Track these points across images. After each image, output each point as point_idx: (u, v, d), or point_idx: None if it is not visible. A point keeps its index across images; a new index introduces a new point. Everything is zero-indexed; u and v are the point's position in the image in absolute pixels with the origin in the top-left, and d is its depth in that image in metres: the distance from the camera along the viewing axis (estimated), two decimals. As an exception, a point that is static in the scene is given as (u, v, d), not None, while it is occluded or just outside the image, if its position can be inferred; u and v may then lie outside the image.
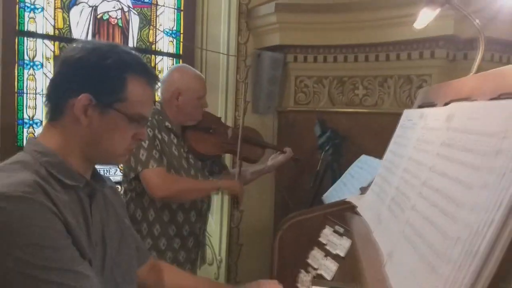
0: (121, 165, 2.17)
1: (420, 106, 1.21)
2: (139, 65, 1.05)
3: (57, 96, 1.02)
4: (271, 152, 2.61)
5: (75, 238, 0.93)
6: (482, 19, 2.70)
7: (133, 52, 1.09)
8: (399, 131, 1.28)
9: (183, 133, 2.16)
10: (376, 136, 2.98)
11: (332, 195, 2.28)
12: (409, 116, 1.23)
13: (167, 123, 2.08)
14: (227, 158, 2.83)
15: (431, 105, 1.07)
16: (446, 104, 0.89)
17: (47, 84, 1.07)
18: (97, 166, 1.15)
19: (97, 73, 1.00)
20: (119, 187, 2.22)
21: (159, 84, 1.11)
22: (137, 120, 1.04)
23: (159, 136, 2.00)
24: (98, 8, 2.81)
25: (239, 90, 3.15)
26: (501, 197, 0.54)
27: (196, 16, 3.17)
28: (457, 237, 0.61)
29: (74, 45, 1.04)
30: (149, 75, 1.07)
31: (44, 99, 1.07)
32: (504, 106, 0.61)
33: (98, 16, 2.81)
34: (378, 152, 1.70)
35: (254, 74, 3.19)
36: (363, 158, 2.31)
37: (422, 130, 1.02)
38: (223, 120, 2.94)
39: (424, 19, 1.24)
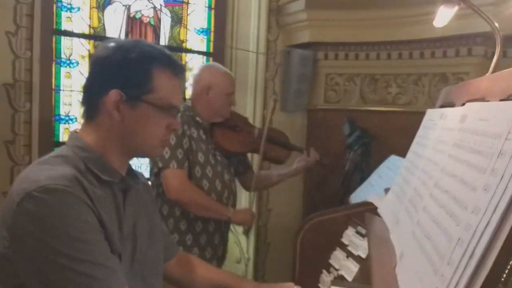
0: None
1: (441, 106, 1.17)
2: (163, 56, 1.09)
3: (91, 96, 1.08)
4: (297, 154, 2.60)
5: (107, 232, 0.98)
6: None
7: (156, 45, 1.13)
8: (421, 131, 1.25)
9: (210, 130, 2.21)
10: (408, 136, 2.89)
11: (359, 196, 2.25)
12: (431, 116, 1.20)
13: (197, 118, 2.14)
14: (254, 160, 2.84)
15: (451, 105, 1.04)
16: (463, 104, 0.86)
17: (83, 82, 1.14)
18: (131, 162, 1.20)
19: (123, 69, 1.04)
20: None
21: (184, 73, 1.14)
22: (167, 109, 1.08)
23: (188, 132, 2.06)
24: (131, 7, 2.90)
25: (268, 88, 3.16)
26: (498, 199, 0.52)
27: (226, 14, 3.20)
28: (458, 238, 0.60)
29: (102, 45, 1.10)
30: (174, 65, 1.10)
31: (81, 100, 1.13)
32: (509, 106, 0.59)
33: (131, 15, 2.90)
34: (409, 152, 1.66)
35: (284, 72, 3.18)
36: (392, 158, 2.26)
37: (440, 130, 0.99)
38: (252, 118, 2.96)
39: (443, 17, 1.20)
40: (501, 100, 0.68)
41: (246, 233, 2.31)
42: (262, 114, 3.15)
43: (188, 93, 2.26)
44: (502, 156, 0.57)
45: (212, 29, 3.20)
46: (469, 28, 2.62)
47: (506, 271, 0.50)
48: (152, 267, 1.16)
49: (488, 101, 0.74)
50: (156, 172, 2.03)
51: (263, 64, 3.13)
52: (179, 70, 1.12)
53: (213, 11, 3.20)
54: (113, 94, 1.03)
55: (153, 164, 2.05)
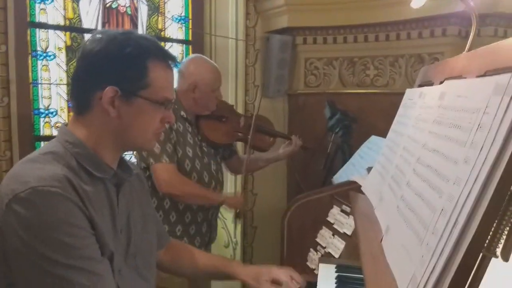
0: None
1: (420, 85, 1.22)
2: (157, 50, 1.07)
3: (82, 91, 1.05)
4: (282, 141, 2.65)
5: (99, 233, 0.98)
6: None
7: (149, 37, 1.11)
8: (401, 111, 1.29)
9: (196, 122, 2.22)
10: (387, 116, 2.92)
11: (341, 176, 2.31)
12: (410, 95, 1.24)
13: (182, 113, 2.14)
14: (239, 145, 2.87)
15: (429, 84, 1.08)
16: (441, 82, 0.90)
17: (61, 75, 1.11)
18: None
19: (119, 64, 1.02)
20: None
21: (177, 63, 1.13)
22: (163, 103, 1.07)
23: (175, 126, 2.06)
24: (107, -3, 2.84)
25: (248, 74, 3.17)
26: (479, 170, 0.56)
27: (204, 1, 3.18)
28: (441, 209, 0.64)
29: (91, 37, 1.07)
30: (168, 58, 1.10)
31: (69, 94, 1.11)
32: (486, 82, 0.63)
33: (107, 5, 2.85)
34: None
35: (264, 58, 3.19)
36: (373, 138, 2.32)
37: (420, 109, 1.04)
38: (234, 105, 2.97)
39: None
40: (477, 76, 0.72)
41: (238, 216, 2.34)
42: (244, 100, 3.16)
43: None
44: (481, 129, 0.60)
45: (190, 16, 3.18)
46: (443, 9, 2.68)
47: (489, 237, 0.54)
48: (145, 258, 1.17)
49: (465, 78, 0.78)
50: (145, 167, 2.03)
51: (243, 50, 3.13)
52: (172, 61, 1.11)
53: (190, -1, 3.17)
54: (109, 91, 1.01)
55: (141, 160, 2.05)
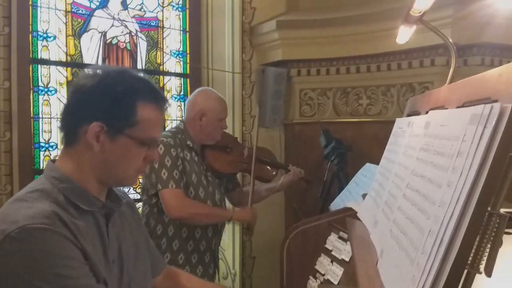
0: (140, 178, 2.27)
1: (409, 115, 1.28)
2: (148, 90, 1.09)
3: (71, 123, 1.07)
4: (284, 172, 2.72)
5: (92, 264, 0.99)
6: (477, 24, 2.83)
7: (142, 76, 1.14)
8: (392, 139, 1.35)
9: (202, 152, 2.27)
10: (380, 143, 2.99)
11: (338, 203, 2.35)
12: (400, 124, 1.30)
13: (188, 142, 2.20)
14: (239, 176, 2.92)
15: (417, 113, 1.15)
16: (427, 112, 0.97)
17: (61, 110, 1.12)
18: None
19: (108, 101, 1.03)
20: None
21: (168, 105, 1.14)
22: (148, 143, 1.09)
23: (181, 155, 2.12)
24: (107, 33, 2.95)
25: (245, 105, 3.25)
26: (459, 192, 0.61)
27: (201, 36, 3.30)
28: (429, 230, 0.68)
29: (85, 72, 1.09)
30: (159, 99, 1.10)
31: (59, 125, 1.12)
32: (464, 113, 0.69)
33: (108, 41, 2.96)
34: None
35: (259, 90, 3.28)
36: (367, 166, 2.37)
37: (409, 137, 1.10)
38: (232, 134, 3.04)
39: (404, 35, 1.32)
40: (457, 107, 0.78)
41: (248, 231, 2.37)
42: (241, 131, 3.23)
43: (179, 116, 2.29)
44: (460, 155, 0.66)
45: (188, 51, 3.29)
46: (431, 40, 2.80)
47: (472, 254, 0.59)
48: (140, 286, 1.17)
49: (447, 108, 0.84)
50: (154, 194, 2.07)
51: (239, 83, 3.23)
52: (163, 103, 1.12)
53: (188, 34, 3.29)
54: (95, 126, 1.02)
55: (149, 186, 2.09)
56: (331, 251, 1.59)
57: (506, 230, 1.18)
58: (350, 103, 3.32)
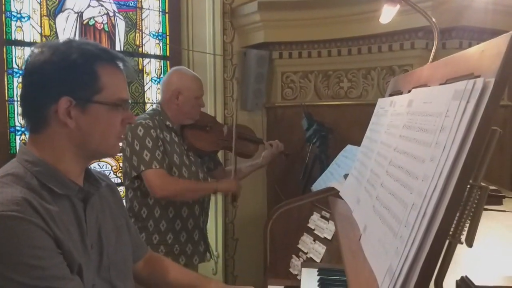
0: (121, 164, 2.25)
1: (391, 95, 1.30)
2: (103, 52, 1.05)
3: (35, 108, 1.01)
4: (264, 147, 2.71)
5: (65, 251, 0.95)
6: (456, 8, 2.87)
7: (91, 41, 1.10)
8: (374, 119, 1.37)
9: (181, 132, 2.27)
10: (361, 126, 3.03)
11: (320, 185, 2.38)
12: (382, 104, 1.32)
13: (168, 123, 2.19)
14: (220, 154, 2.92)
15: (399, 93, 1.16)
16: (409, 91, 0.98)
17: (20, 97, 1.05)
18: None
19: (67, 73, 0.99)
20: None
21: (126, 62, 1.10)
22: (120, 104, 1.06)
23: (161, 136, 2.10)
24: (84, 14, 2.87)
25: (227, 88, 3.23)
26: (442, 166, 0.63)
27: (181, 17, 3.24)
28: (412, 204, 0.70)
29: (31, 52, 1.03)
30: (115, 58, 1.07)
31: (21, 113, 1.06)
32: (447, 89, 0.70)
33: (84, 22, 2.87)
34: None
35: (241, 72, 3.26)
36: (348, 147, 2.40)
37: (391, 116, 1.11)
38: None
39: (387, 14, 1.33)
40: (440, 84, 0.80)
41: (233, 201, 2.39)
42: (223, 114, 3.22)
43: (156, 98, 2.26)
44: (443, 130, 0.67)
45: (168, 32, 3.23)
46: (411, 23, 2.83)
47: (453, 225, 0.61)
48: (120, 270, 1.15)
49: (429, 86, 0.86)
50: (135, 176, 2.05)
51: (220, 65, 3.20)
52: (121, 62, 1.09)
53: (167, 15, 3.22)
54: (63, 102, 0.98)
55: (131, 168, 2.06)
56: (314, 230, 1.61)
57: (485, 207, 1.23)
58: (331, 86, 3.33)
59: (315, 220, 1.62)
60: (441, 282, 0.59)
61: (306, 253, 1.57)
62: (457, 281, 0.64)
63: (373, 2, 2.93)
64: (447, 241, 0.60)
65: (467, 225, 0.60)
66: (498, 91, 0.56)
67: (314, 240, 1.58)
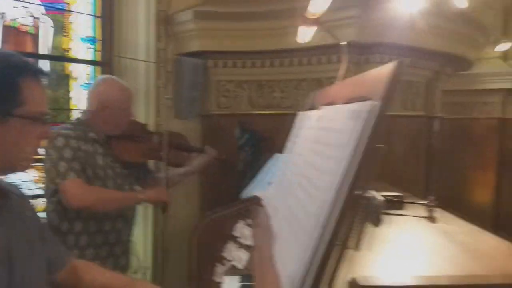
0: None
1: (309, 109, 1.38)
2: (25, 65, 1.05)
3: None
4: (198, 155, 2.67)
5: None
6: (379, 25, 3.08)
7: (15, 52, 1.09)
8: (294, 131, 1.45)
9: (108, 142, 2.18)
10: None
11: (249, 192, 2.43)
12: (301, 117, 1.40)
13: (91, 134, 2.09)
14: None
15: (314, 108, 1.24)
16: (321, 107, 1.06)
17: None
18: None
19: None
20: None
21: (46, 76, 1.12)
22: (40, 119, 1.06)
23: (83, 147, 2.02)
24: (6, 14, 2.71)
25: (160, 96, 3.20)
26: (335, 179, 0.69)
27: (113, 22, 3.17)
28: (313, 213, 0.76)
29: None
30: (37, 73, 1.08)
31: None
32: (345, 109, 0.78)
33: (6, 23, 2.72)
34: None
35: (175, 80, 3.25)
36: (276, 156, 2.49)
37: (306, 129, 1.19)
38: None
39: (304, 34, 1.42)
40: (344, 103, 0.87)
41: (164, 211, 2.30)
42: (155, 122, 3.18)
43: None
44: (340, 146, 0.74)
45: (99, 37, 3.14)
46: (338, 38, 3.00)
47: (343, 232, 0.67)
48: (34, 284, 1.12)
49: (336, 104, 0.93)
50: (54, 189, 1.96)
51: (154, 72, 3.17)
52: (43, 76, 1.10)
53: (99, 20, 3.14)
54: None
55: (49, 182, 1.97)
56: (239, 238, 1.65)
57: (393, 212, 1.34)
58: (265, 96, 3.43)
59: (241, 228, 1.66)
60: (332, 284, 0.65)
61: (230, 261, 1.61)
62: (349, 282, 0.70)
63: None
64: (338, 246, 0.66)
65: (355, 232, 0.67)
66: (382, 113, 0.64)
67: (239, 248, 1.62)
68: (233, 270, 1.52)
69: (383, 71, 0.71)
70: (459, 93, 4.65)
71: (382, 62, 3.28)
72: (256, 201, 1.68)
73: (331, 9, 2.96)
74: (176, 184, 2.59)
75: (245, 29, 3.22)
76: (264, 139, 3.05)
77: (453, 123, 4.47)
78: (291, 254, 0.82)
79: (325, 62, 3.19)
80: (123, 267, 2.24)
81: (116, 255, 2.17)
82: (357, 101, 0.76)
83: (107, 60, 3.14)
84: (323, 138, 0.89)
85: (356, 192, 0.66)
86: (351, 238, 0.67)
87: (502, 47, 4.71)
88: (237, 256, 1.57)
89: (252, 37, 3.24)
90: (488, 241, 1.17)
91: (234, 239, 1.66)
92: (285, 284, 0.74)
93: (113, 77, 2.39)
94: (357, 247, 0.67)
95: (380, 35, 3.16)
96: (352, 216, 0.67)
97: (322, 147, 0.87)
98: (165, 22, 3.22)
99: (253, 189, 2.37)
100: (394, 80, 0.65)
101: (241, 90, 3.44)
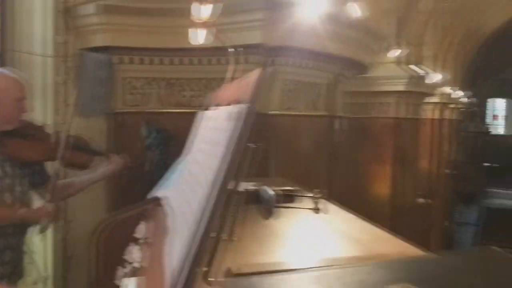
0: None
1: (206, 109, 1.42)
2: None
3: None
4: (101, 158, 2.54)
5: None
6: (284, 29, 3.23)
7: None
8: (193, 130, 1.47)
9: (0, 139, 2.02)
10: (203, 134, 3.23)
11: (154, 193, 2.39)
12: (198, 117, 1.43)
13: None
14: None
15: (209, 108, 1.29)
16: (212, 108, 1.10)
17: None
18: None
19: None
20: None
21: None
22: None
23: None
24: None
25: (59, 93, 3.02)
26: (210, 175, 0.74)
27: (5, 12, 2.91)
28: (193, 208, 0.80)
29: None
30: None
31: None
32: (225, 110, 0.83)
33: None
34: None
35: (78, 76, 3.09)
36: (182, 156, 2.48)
37: (201, 129, 1.22)
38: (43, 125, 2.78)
39: (196, 36, 1.45)
40: (226, 105, 0.92)
41: (43, 231, 2.14)
42: (54, 121, 2.99)
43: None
44: (218, 144, 0.79)
45: (-13, 28, 2.87)
46: (247, 39, 3.09)
47: (218, 225, 0.72)
48: None
49: (222, 105, 0.98)
50: None
51: (52, 67, 2.98)
52: None
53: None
54: None
55: None
56: (140, 239, 1.63)
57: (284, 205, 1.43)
58: (175, 94, 3.40)
59: (142, 229, 1.64)
60: (208, 274, 0.69)
61: (131, 263, 1.58)
62: (224, 271, 0.75)
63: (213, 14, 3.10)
64: (214, 238, 0.71)
65: (228, 224, 0.72)
66: (250, 115, 0.69)
67: (139, 249, 1.60)
68: (133, 272, 1.50)
69: (252, 77, 0.77)
70: (359, 95, 5.03)
71: (287, 65, 3.44)
72: (156, 201, 1.67)
73: (237, 11, 3.07)
74: (80, 191, 2.45)
75: (152, 26, 3.16)
76: (172, 138, 3.03)
77: (353, 122, 4.82)
78: (176, 248, 0.84)
79: (243, 62, 3.24)
80: (10, 275, 2.08)
81: (4, 262, 2.02)
82: (234, 103, 0.81)
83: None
84: (209, 137, 0.93)
85: (230, 187, 0.71)
86: (226, 229, 0.72)
87: (394, 53, 5.19)
88: (138, 257, 1.55)
89: (159, 34, 3.19)
90: (366, 228, 1.31)
91: (136, 240, 1.64)
92: (168, 277, 0.76)
93: (2, 69, 2.21)
94: (231, 238, 0.71)
95: (285, 39, 3.31)
96: (227, 209, 0.71)
97: (207, 145, 0.92)
98: (65, 14, 3.04)
99: (158, 189, 2.35)
100: (260, 85, 0.71)
101: (149, 87, 3.38)
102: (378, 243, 1.17)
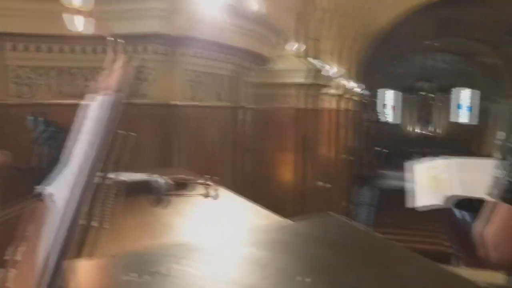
0: None
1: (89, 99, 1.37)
2: None
3: None
4: None
5: None
6: (190, 20, 3.21)
7: None
8: (79, 120, 1.42)
9: None
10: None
11: (41, 188, 2.25)
12: (82, 107, 1.38)
13: None
14: None
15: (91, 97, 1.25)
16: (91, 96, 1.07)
17: None
18: None
19: None
20: None
21: None
22: None
23: None
24: None
25: None
26: (80, 162, 0.73)
27: None
28: (68, 197, 0.78)
29: None
30: None
31: None
32: (98, 99, 0.82)
33: None
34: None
35: None
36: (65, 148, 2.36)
37: (81, 119, 1.18)
38: None
39: (74, 22, 1.40)
40: (102, 94, 0.91)
41: None
42: None
43: None
44: (89, 132, 0.78)
45: None
46: (147, 28, 3.01)
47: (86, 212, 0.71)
48: None
49: (100, 94, 0.97)
50: None
51: None
52: None
53: None
54: None
55: None
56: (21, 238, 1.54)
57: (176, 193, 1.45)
58: (67, 84, 3.20)
59: (23, 227, 1.54)
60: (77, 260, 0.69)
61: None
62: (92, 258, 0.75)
63: (106, 3, 2.95)
64: (84, 225, 0.70)
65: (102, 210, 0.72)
66: (116, 105, 0.70)
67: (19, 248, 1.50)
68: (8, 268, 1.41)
69: (118, 67, 0.77)
70: (262, 86, 5.20)
71: (191, 56, 3.43)
72: (38, 196, 1.58)
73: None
74: None
75: (36, 10, 2.91)
76: (64, 131, 2.85)
77: (257, 112, 4.97)
78: (48, 239, 0.82)
79: (137, 52, 3.14)
80: None
81: None
82: (105, 93, 0.82)
83: None
84: (85, 126, 0.92)
85: (97, 174, 0.71)
86: (97, 217, 0.72)
87: (292, 46, 5.45)
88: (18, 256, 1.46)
89: (44, 19, 2.94)
90: (255, 211, 1.38)
91: (19, 239, 1.53)
92: (38, 268, 0.75)
93: None
94: (102, 225, 0.72)
95: (187, 30, 3.29)
96: (96, 196, 0.72)
97: (83, 135, 0.90)
98: None
99: (43, 185, 2.20)
100: (125, 76, 0.73)
101: (37, 77, 3.13)
102: (253, 218, 1.25)
